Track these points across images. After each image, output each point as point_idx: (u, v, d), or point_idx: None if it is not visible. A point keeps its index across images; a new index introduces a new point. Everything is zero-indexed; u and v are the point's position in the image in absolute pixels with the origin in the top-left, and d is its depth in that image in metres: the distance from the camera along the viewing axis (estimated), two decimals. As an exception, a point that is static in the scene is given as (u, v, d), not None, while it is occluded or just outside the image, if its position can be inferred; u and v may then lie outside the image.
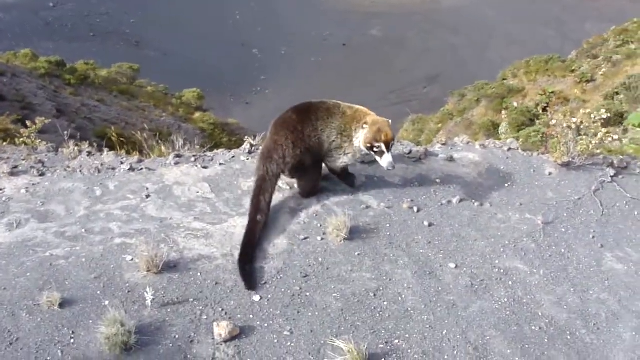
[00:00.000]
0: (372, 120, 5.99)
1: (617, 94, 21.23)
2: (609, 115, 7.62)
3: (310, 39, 48.47)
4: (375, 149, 5.93)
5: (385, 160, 5.93)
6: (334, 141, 6.17)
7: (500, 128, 24.31)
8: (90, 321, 4.84)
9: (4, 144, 8.56)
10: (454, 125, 27.36)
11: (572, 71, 28.63)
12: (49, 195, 6.47)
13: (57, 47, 41.82)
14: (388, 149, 5.91)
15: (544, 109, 24.71)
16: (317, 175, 6.37)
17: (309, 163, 6.17)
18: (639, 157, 7.83)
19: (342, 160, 6.29)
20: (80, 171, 6.96)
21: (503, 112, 25.16)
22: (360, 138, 6.02)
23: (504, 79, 30.91)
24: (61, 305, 4.92)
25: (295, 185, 6.50)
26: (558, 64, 30.11)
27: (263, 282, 5.33)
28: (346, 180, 6.55)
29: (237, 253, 5.56)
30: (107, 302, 5.00)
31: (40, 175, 6.89)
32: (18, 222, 5.97)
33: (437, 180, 6.80)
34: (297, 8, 52.22)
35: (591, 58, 29.93)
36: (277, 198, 6.36)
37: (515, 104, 25.72)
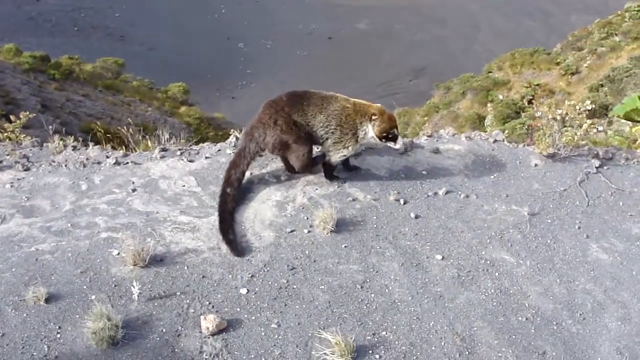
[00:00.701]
0: (377, 110, 6.23)
1: (602, 86, 21.38)
2: (593, 107, 7.64)
3: (296, 32, 48.44)
4: (390, 136, 6.20)
5: (399, 142, 6.31)
6: (332, 133, 6.22)
7: (486, 120, 24.45)
8: (77, 316, 4.82)
9: (-12, 139, 8.50)
10: (440, 117, 27.45)
11: (557, 63, 28.81)
12: (34, 190, 6.42)
13: (41, 42, 41.63)
14: (398, 132, 6.30)
15: (529, 102, 24.88)
16: (305, 150, 6.25)
17: (292, 140, 6.14)
18: (624, 148, 7.87)
19: (342, 154, 6.34)
20: (66, 165, 6.91)
21: (489, 104, 25.32)
22: (370, 130, 6.21)
23: (489, 72, 31.05)
24: (47, 301, 4.90)
25: (285, 169, 6.61)
26: (543, 57, 30.30)
27: (250, 275, 5.32)
28: (331, 175, 6.53)
29: (224, 246, 5.56)
30: (93, 297, 4.99)
31: (25, 170, 6.84)
32: (3, 218, 5.92)
33: (423, 172, 6.80)
34: (283, 1, 52.12)
35: (576, 50, 30.12)
36: (262, 190, 6.37)
37: (501, 97, 25.86)
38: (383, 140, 6.22)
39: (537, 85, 26.31)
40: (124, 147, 8.33)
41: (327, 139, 6.25)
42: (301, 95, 6.27)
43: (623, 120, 10.32)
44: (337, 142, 6.24)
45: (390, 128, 6.17)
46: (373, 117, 6.14)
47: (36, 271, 5.20)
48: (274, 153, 6.34)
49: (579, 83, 25.48)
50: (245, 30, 48.40)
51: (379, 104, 6.34)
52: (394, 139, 6.23)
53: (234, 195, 6.08)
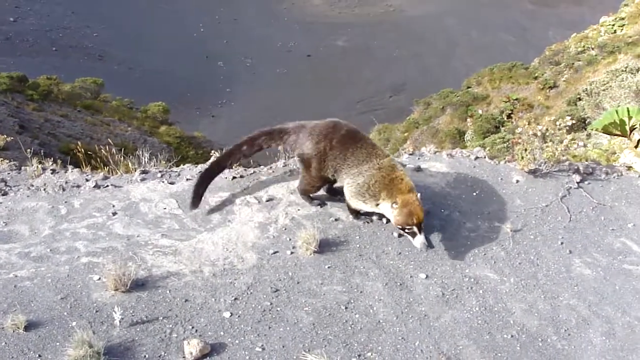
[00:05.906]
0: (402, 201, 5.71)
1: (580, 99, 21.54)
2: (573, 122, 7.69)
3: (275, 50, 48.47)
4: (407, 230, 5.72)
5: (418, 241, 5.70)
6: (359, 186, 5.96)
7: (466, 135, 24.55)
8: (58, 343, 4.74)
9: (-35, 163, 8.39)
10: (420, 133, 27.53)
11: (535, 78, 29.08)
12: (12, 215, 6.34)
13: (18, 62, 41.29)
14: (420, 230, 5.68)
15: (509, 116, 25.07)
16: (317, 183, 6.26)
17: (315, 168, 6.10)
18: (604, 163, 7.92)
19: (359, 207, 6.13)
20: (45, 189, 6.84)
21: (468, 119, 25.47)
22: (390, 215, 5.84)
23: (468, 87, 31.23)
24: (27, 328, 4.81)
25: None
26: (521, 71, 30.56)
27: (233, 298, 5.27)
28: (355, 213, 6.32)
29: (206, 269, 5.52)
30: (74, 323, 4.91)
31: (3, 194, 6.76)
32: (-20, 244, 5.84)
33: (406, 191, 6.78)
34: (262, 19, 52.22)
35: (553, 65, 30.42)
36: (244, 212, 6.33)
37: (480, 112, 26.04)
38: (400, 230, 5.86)
39: (516, 99, 26.52)
40: (104, 167, 8.27)
41: (351, 180, 6.02)
42: (356, 140, 6.05)
43: (601, 134, 10.40)
44: (360, 195, 5.99)
45: (406, 223, 5.65)
46: (394, 205, 5.73)
47: (15, 298, 5.12)
48: (294, 155, 6.44)
49: (557, 97, 25.70)
50: (224, 48, 48.36)
51: (412, 194, 5.80)
52: (412, 234, 5.72)
53: (238, 158, 6.47)
